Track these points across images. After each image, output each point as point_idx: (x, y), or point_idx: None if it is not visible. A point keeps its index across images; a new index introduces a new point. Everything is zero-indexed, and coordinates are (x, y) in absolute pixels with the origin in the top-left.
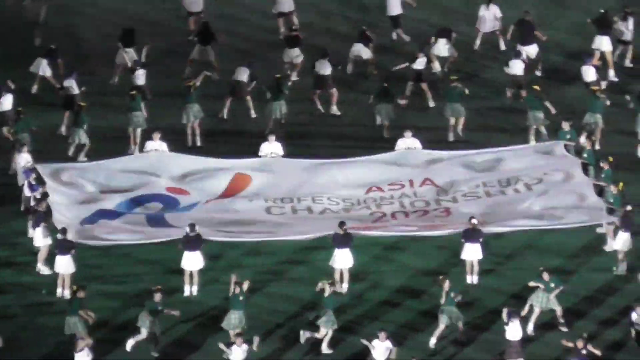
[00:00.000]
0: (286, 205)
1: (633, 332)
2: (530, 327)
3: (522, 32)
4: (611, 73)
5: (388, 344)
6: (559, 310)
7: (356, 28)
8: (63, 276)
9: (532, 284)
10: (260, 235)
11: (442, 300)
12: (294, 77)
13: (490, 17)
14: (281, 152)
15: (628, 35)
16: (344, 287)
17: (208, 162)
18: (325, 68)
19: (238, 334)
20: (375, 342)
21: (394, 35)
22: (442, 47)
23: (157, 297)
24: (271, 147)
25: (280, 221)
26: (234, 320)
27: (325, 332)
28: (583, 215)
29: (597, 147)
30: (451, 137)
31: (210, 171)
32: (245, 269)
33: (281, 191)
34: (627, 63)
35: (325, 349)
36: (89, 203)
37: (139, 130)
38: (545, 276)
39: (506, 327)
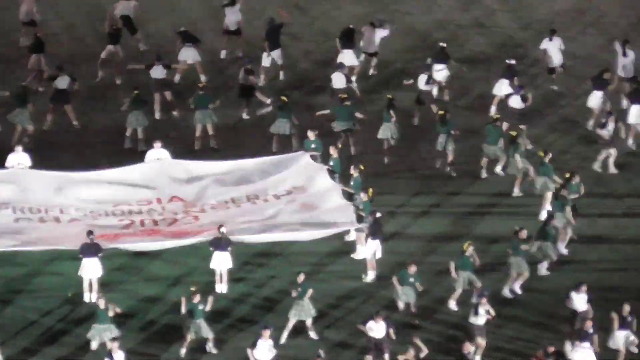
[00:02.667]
0: (34, 216)
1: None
2: (284, 336)
3: (270, 39)
4: (354, 84)
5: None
6: (309, 319)
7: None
8: None
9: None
10: (9, 245)
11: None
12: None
13: (232, 20)
14: (28, 163)
15: (375, 47)
16: (93, 297)
17: None
18: (63, 82)
19: None
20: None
21: (141, 47)
22: (188, 53)
23: None
24: (18, 158)
25: (29, 230)
26: None
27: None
28: (331, 223)
29: (352, 153)
30: (197, 146)
31: None
32: None
33: (28, 203)
34: (372, 71)
35: None
36: None
37: None
38: (300, 278)
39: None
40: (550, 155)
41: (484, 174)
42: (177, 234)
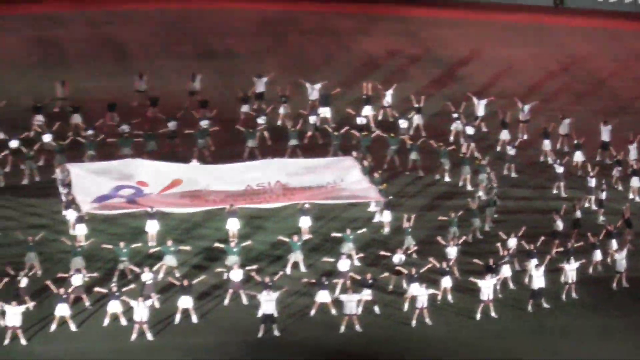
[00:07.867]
0: (200, 192)
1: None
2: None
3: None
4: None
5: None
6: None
7: None
8: (81, 236)
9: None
10: (189, 207)
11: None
12: None
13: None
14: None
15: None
16: (235, 242)
17: (158, 166)
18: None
19: None
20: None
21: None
22: None
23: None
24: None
25: (198, 197)
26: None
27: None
28: (366, 195)
29: None
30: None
31: (160, 174)
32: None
33: (197, 185)
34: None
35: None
36: (98, 188)
37: None
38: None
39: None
40: None
41: None
42: (274, 199)
